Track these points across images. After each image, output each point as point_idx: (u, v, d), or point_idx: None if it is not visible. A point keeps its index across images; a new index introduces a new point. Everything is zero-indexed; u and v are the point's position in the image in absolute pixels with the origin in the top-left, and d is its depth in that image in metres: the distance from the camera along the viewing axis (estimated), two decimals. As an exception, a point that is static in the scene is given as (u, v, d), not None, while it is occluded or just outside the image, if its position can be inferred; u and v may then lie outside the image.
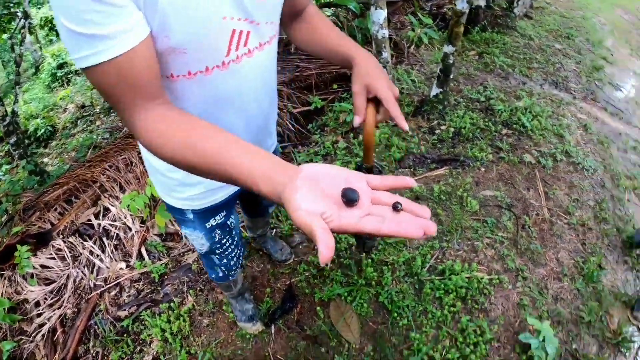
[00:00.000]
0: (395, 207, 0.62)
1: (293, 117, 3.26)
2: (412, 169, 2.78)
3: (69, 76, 8.48)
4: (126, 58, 0.70)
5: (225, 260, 1.60)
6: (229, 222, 1.48)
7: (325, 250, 0.53)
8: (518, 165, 3.00)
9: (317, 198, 0.60)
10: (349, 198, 0.60)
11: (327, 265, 2.22)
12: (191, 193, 1.23)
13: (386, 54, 3.29)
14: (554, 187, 2.90)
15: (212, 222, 1.39)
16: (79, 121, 6.50)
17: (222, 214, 1.41)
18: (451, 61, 3.06)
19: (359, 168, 1.01)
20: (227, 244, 1.54)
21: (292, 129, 3.21)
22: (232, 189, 1.35)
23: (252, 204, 1.82)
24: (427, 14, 5.19)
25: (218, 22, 0.81)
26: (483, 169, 2.93)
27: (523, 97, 3.70)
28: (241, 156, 0.68)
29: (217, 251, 1.54)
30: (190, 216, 1.33)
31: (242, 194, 1.50)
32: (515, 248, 2.44)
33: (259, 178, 0.65)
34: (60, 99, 7.18)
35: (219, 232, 1.45)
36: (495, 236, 2.46)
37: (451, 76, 3.18)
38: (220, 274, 1.67)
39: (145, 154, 1.18)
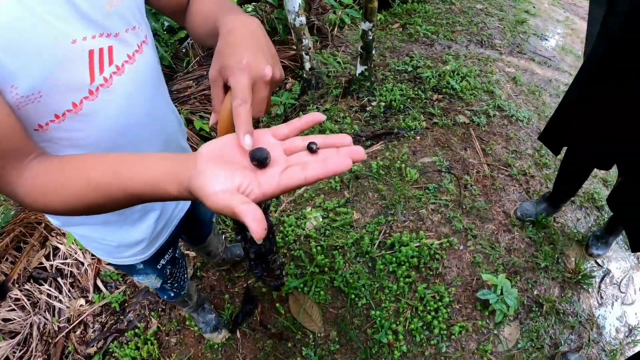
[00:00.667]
0: (311, 149, 0.56)
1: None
2: (347, 150, 2.77)
3: None
4: None
5: (176, 284, 1.56)
6: (176, 255, 1.44)
7: (255, 224, 0.46)
8: (452, 128, 3.03)
9: (228, 173, 0.53)
10: (258, 158, 0.54)
11: (262, 241, 2.19)
12: (134, 250, 1.17)
13: (306, 40, 3.26)
14: (491, 143, 2.95)
15: (162, 261, 1.35)
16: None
17: (170, 250, 1.36)
18: (370, 37, 3.05)
19: None
20: (176, 271, 1.50)
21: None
22: (174, 224, 1.29)
23: (191, 228, 1.70)
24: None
25: (68, 49, 0.69)
26: (418, 137, 2.95)
27: (450, 60, 3.74)
28: (136, 169, 0.60)
29: (169, 281, 1.49)
30: (141, 266, 1.27)
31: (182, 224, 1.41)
32: (460, 209, 2.47)
33: (162, 182, 0.57)
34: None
35: (169, 267, 1.41)
36: (439, 201, 2.48)
37: (374, 52, 3.18)
38: (172, 294, 1.62)
39: (70, 227, 1.07)
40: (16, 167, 0.65)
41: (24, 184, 0.65)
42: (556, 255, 2.32)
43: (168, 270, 1.42)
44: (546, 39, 5.08)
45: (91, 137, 0.81)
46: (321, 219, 2.39)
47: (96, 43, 0.74)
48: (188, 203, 1.34)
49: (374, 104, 3.19)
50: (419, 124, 3.02)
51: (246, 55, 0.65)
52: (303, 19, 3.21)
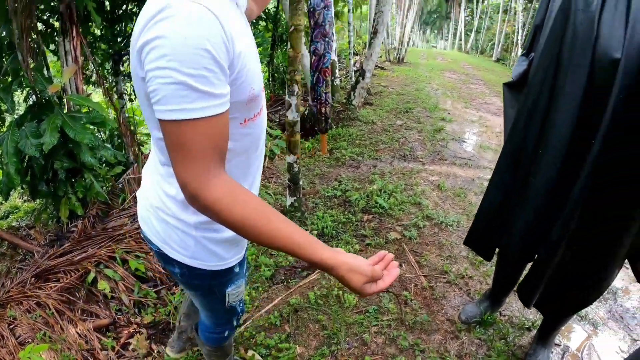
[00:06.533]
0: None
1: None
2: (284, 283, 2.86)
3: None
4: (220, 119, 0.87)
5: (242, 297, 1.57)
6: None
7: (389, 278, 1.01)
8: (385, 246, 3.22)
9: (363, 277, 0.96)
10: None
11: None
12: (238, 247, 1.31)
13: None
14: (425, 254, 3.13)
15: (245, 263, 1.45)
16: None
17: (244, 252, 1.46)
18: (296, 169, 3.32)
19: None
20: None
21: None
22: None
23: None
24: (277, 126, 5.61)
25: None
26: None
27: (376, 180, 4.06)
28: (309, 243, 0.92)
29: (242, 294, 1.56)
30: (237, 269, 1.36)
31: None
32: (404, 326, 2.55)
33: (330, 258, 0.92)
34: None
35: (244, 267, 1.50)
36: (381, 322, 2.57)
37: (302, 181, 3.43)
38: (235, 323, 1.67)
39: (193, 230, 1.19)
40: (215, 168, 0.89)
41: (219, 182, 0.89)
42: (510, 349, 2.39)
43: (246, 275, 1.51)
44: (464, 141, 5.59)
45: (249, 141, 1.14)
46: (261, 359, 2.40)
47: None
48: None
49: (309, 230, 3.36)
50: (352, 247, 3.19)
51: None
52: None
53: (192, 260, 1.22)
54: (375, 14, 6.38)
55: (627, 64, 1.42)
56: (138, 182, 4.01)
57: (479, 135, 5.94)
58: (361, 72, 6.32)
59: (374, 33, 6.26)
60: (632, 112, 1.46)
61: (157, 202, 1.19)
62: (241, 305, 1.61)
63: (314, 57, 2.07)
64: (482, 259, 2.89)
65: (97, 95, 7.98)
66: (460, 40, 32.33)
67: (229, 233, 1.22)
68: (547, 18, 1.78)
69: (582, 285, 1.90)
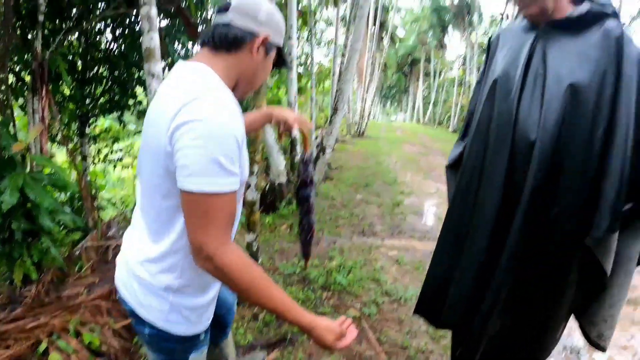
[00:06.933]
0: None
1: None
2: (240, 364, 2.82)
3: None
4: (235, 195, 1.11)
5: None
6: None
7: (350, 335, 1.29)
8: (345, 324, 3.22)
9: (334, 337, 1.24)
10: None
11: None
12: (209, 313, 1.41)
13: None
14: (385, 330, 3.17)
15: (209, 329, 1.49)
16: None
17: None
18: (255, 248, 3.37)
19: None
20: None
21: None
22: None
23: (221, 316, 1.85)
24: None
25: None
26: (312, 340, 3.07)
27: (335, 256, 4.13)
28: (295, 307, 1.19)
29: None
30: (202, 336, 1.42)
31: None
32: (363, 406, 2.56)
33: (310, 320, 1.20)
34: None
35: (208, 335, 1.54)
36: (341, 402, 2.57)
37: (262, 257, 3.46)
38: None
39: (170, 295, 1.27)
40: (229, 236, 1.12)
41: (233, 247, 1.11)
42: None
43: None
44: (422, 214, 5.78)
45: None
46: None
47: None
48: None
49: (265, 311, 3.34)
50: (311, 326, 3.16)
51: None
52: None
53: (165, 323, 1.30)
54: (336, 91, 6.66)
55: (542, 146, 1.58)
56: (96, 250, 3.93)
57: (438, 207, 6.16)
58: (322, 148, 6.52)
59: (335, 110, 6.47)
60: (548, 187, 1.61)
61: (139, 268, 1.29)
62: None
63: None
64: (442, 333, 2.97)
65: (61, 153, 7.88)
66: (418, 112, 33.85)
67: (203, 299, 1.35)
68: (477, 105, 1.99)
69: (522, 351, 1.97)
